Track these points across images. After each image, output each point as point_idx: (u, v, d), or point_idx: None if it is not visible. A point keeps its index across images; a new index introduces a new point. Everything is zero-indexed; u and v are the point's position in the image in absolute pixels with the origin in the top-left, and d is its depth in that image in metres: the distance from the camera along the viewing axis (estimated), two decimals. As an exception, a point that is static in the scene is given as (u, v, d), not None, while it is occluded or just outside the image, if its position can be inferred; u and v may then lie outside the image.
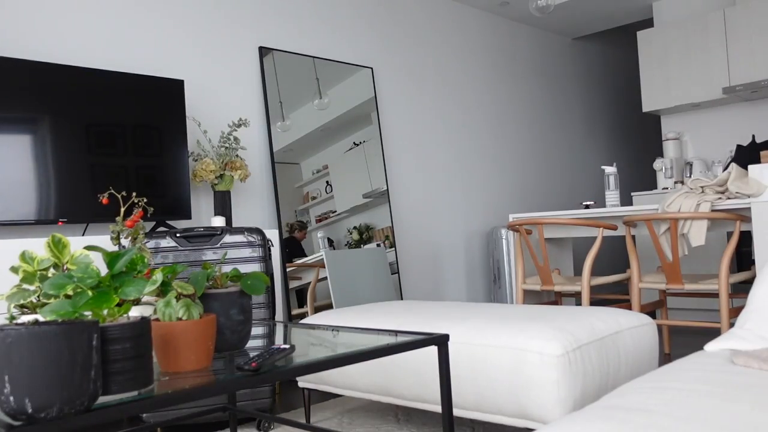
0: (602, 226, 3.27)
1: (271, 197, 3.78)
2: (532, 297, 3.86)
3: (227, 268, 2.65)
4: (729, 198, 3.06)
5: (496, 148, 5.30)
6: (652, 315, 4.66)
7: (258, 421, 2.55)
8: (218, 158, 3.27)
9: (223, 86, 3.62)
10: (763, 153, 3.38)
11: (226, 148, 3.29)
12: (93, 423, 1.01)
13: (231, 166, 3.26)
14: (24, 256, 1.31)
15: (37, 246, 2.49)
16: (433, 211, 4.74)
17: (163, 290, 1.39)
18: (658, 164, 5.14)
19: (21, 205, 2.66)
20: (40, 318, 1.25)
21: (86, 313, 1.13)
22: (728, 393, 1.21)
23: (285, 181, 3.75)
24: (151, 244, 2.59)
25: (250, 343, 1.67)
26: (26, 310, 1.34)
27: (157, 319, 1.34)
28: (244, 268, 2.68)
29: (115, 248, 2.15)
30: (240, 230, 2.70)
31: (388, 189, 4.27)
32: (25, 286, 1.32)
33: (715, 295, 3.56)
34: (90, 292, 1.15)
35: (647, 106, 5.21)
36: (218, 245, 2.66)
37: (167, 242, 2.61)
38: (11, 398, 0.94)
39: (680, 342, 3.89)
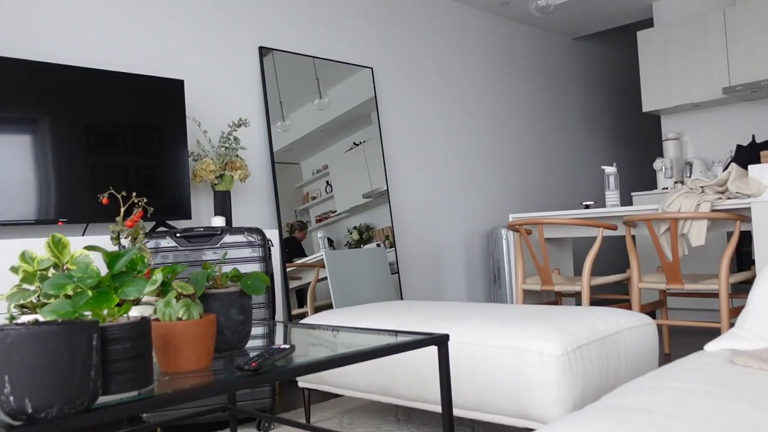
0: (602, 226, 3.27)
1: (271, 197, 3.78)
2: (532, 297, 3.86)
3: (227, 268, 2.65)
4: (729, 198, 3.06)
5: (496, 148, 5.30)
6: (652, 315, 4.66)
7: (258, 421, 2.55)
8: (218, 158, 3.27)
9: (223, 86, 3.63)
10: (763, 153, 3.38)
11: (226, 148, 3.29)
12: (93, 423, 1.01)
13: (231, 166, 3.26)
14: (24, 256, 1.31)
15: (37, 246, 2.49)
16: (433, 211, 4.74)
17: (163, 290, 1.39)
18: (658, 164, 5.14)
19: (21, 205, 2.66)
20: (40, 318, 1.25)
21: (86, 313, 1.13)
22: (728, 393, 1.21)
23: (285, 181, 3.75)
24: (151, 244, 2.59)
25: (250, 343, 1.67)
26: (26, 310, 1.34)
27: (157, 319, 1.34)
28: (244, 268, 2.68)
29: (115, 248, 2.15)
30: (240, 230, 2.70)
31: (388, 189, 4.27)
32: (25, 286, 1.32)
33: (715, 295, 3.56)
34: (90, 292, 1.15)
35: (647, 106, 5.21)
36: (218, 245, 2.66)
37: (167, 242, 2.61)
38: (11, 398, 0.94)
39: (680, 342, 3.89)
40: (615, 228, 3.26)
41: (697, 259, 4.48)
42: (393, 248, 4.22)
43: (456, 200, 4.92)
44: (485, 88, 5.26)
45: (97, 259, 2.37)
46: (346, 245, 3.97)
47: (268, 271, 2.78)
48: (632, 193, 5.05)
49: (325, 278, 3.77)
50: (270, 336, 1.84)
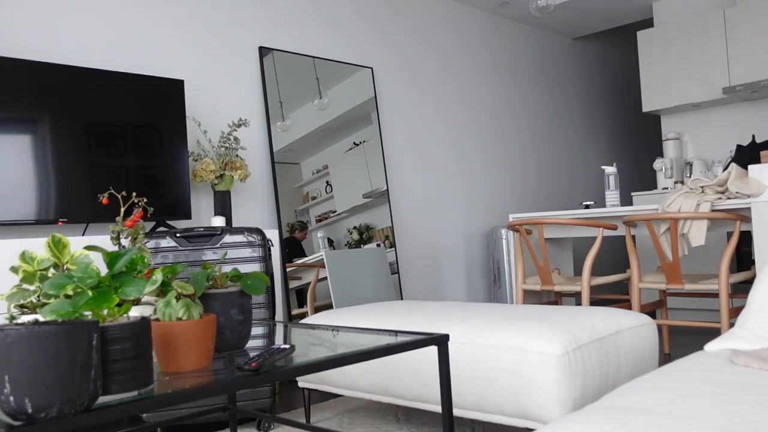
0: (602, 226, 3.27)
1: (271, 197, 3.78)
2: (532, 297, 3.86)
3: (227, 268, 2.65)
4: (729, 198, 3.06)
5: (496, 148, 5.30)
6: (652, 315, 4.66)
7: (258, 421, 2.55)
8: (218, 158, 3.27)
9: (223, 86, 3.63)
10: (763, 153, 3.38)
11: (226, 148, 3.29)
12: (93, 423, 1.01)
13: (231, 166, 3.26)
14: (24, 256, 1.31)
15: (37, 246, 2.49)
16: (433, 211, 4.74)
17: (163, 290, 1.39)
18: (658, 164, 5.14)
19: (21, 205, 2.66)
20: (40, 318, 1.25)
21: (86, 313, 1.13)
22: (728, 393, 1.21)
23: (285, 181, 3.75)
24: (151, 244, 2.59)
25: (250, 343, 1.67)
26: (26, 310, 1.34)
27: (157, 319, 1.34)
28: (244, 268, 2.68)
29: (115, 248, 2.15)
30: (240, 230, 2.70)
31: (388, 189, 4.27)
32: (25, 286, 1.32)
33: (715, 295, 3.56)
34: (90, 292, 1.15)
35: (647, 106, 5.21)
36: (218, 245, 2.66)
37: (167, 242, 2.61)
38: (11, 398, 0.94)
39: (680, 342, 3.89)
40: (615, 228, 3.26)
41: (697, 259, 4.48)
42: (393, 248, 4.22)
43: (456, 200, 4.92)
44: (485, 88, 5.26)
45: (97, 259, 2.37)
46: (346, 245, 3.97)
47: (268, 271, 2.78)
48: (632, 193, 5.05)
49: (325, 278, 3.77)
50: (270, 336, 1.84)
